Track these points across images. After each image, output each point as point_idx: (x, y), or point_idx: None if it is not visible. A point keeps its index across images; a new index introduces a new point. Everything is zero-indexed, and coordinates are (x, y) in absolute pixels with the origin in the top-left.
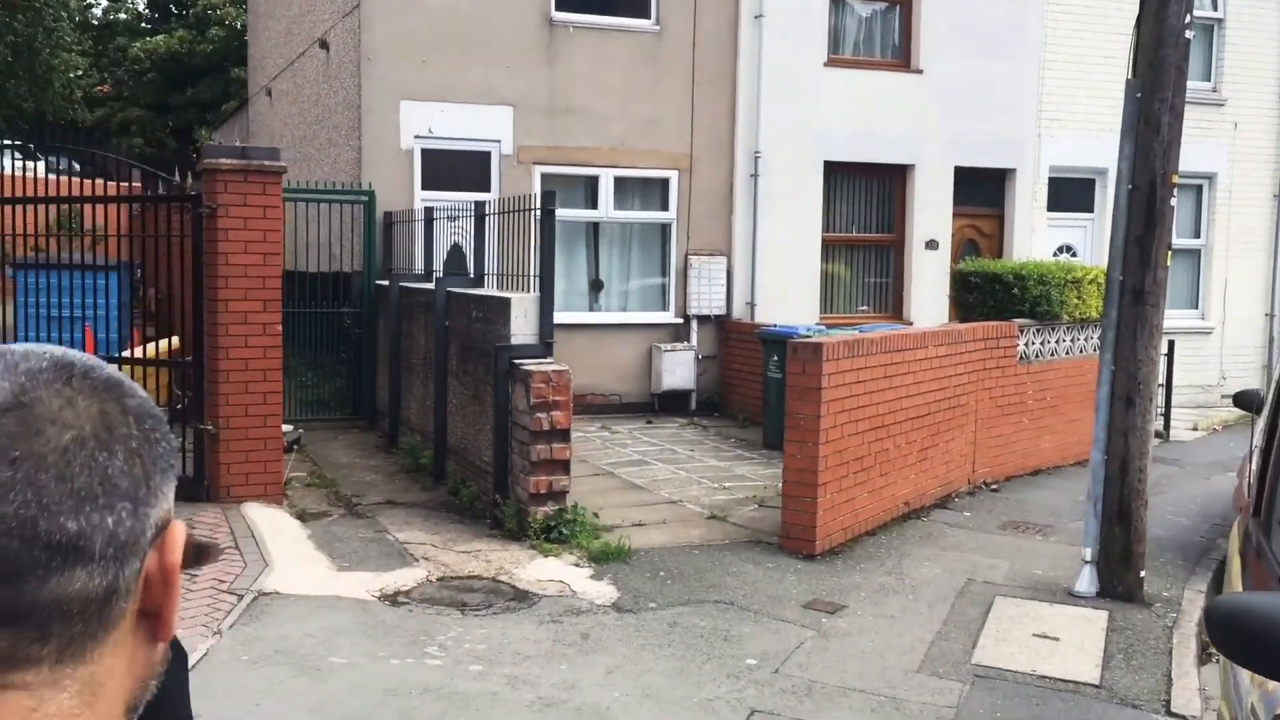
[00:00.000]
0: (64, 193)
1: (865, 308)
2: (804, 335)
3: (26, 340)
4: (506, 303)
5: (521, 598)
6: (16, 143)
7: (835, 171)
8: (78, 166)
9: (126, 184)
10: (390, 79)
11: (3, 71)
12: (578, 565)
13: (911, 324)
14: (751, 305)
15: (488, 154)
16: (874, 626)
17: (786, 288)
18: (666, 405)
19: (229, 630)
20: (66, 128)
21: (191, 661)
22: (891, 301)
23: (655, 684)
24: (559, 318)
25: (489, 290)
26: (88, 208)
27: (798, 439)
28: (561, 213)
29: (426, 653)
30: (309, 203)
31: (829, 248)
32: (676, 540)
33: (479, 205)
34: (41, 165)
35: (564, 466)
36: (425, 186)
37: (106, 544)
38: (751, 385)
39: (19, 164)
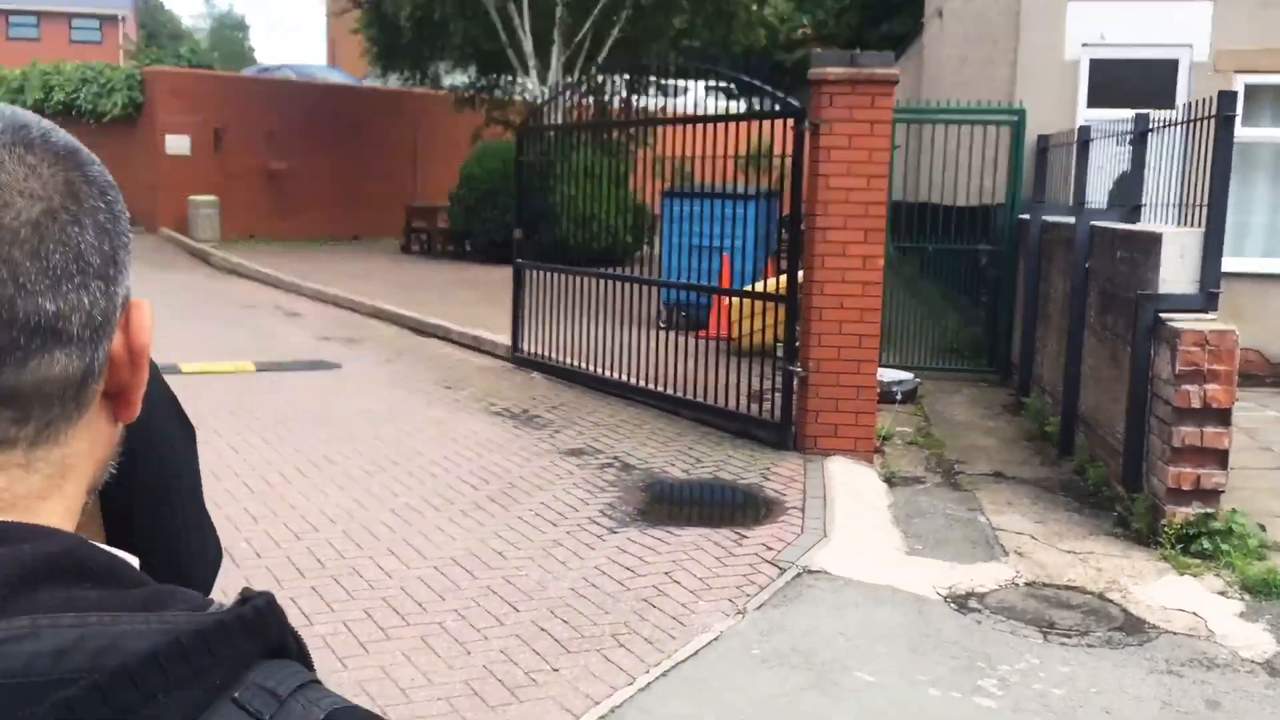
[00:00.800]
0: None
1: None
2: None
3: (672, 267)
4: (1155, 240)
5: (1132, 628)
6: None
7: None
8: (778, 106)
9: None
10: None
11: (692, 11)
12: (1223, 594)
13: None
14: None
15: (1174, 62)
16: None
17: None
18: None
19: (753, 611)
20: (758, 64)
21: (697, 645)
22: None
23: None
24: (1263, 266)
25: (1136, 225)
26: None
27: None
28: (1274, 133)
29: (979, 687)
30: (948, 124)
31: None
32: None
33: (1139, 119)
34: (741, 103)
35: (1219, 458)
36: (1091, 104)
37: (84, 325)
38: None
39: (724, 102)
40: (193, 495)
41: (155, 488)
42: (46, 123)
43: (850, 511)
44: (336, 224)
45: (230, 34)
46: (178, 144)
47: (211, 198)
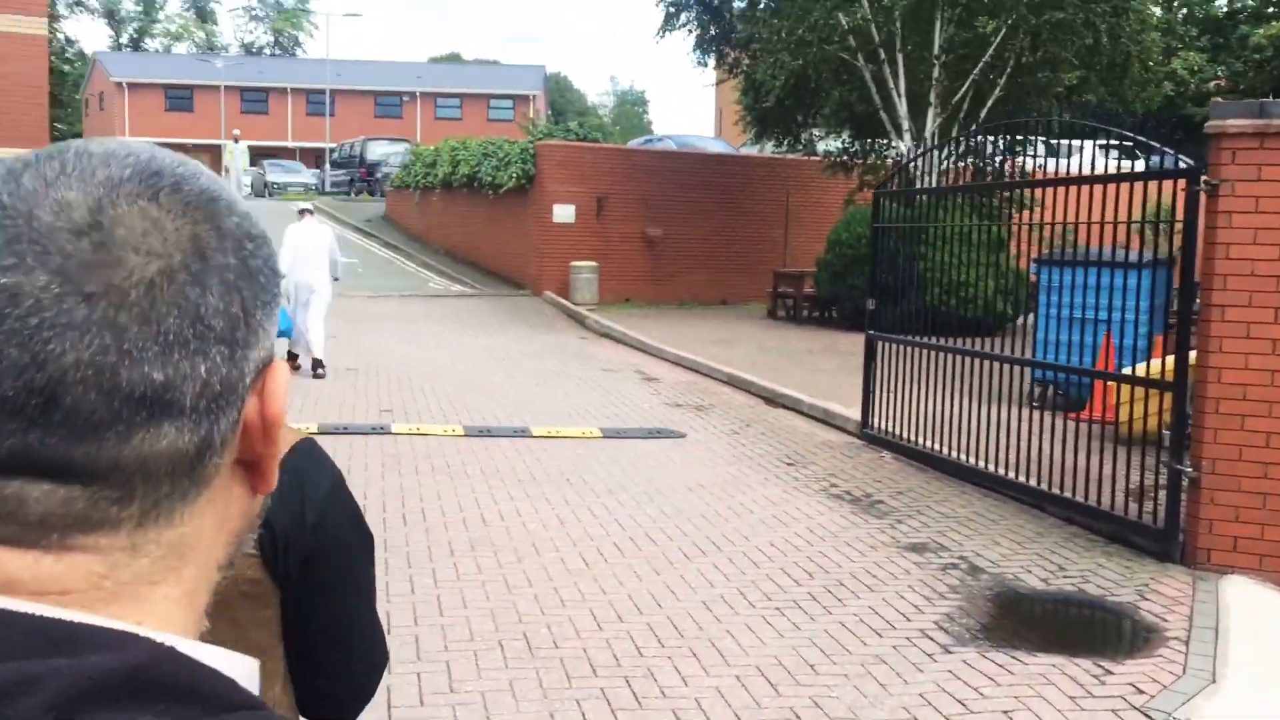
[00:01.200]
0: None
1: None
2: None
3: (1045, 341)
4: None
5: None
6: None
7: None
8: (1182, 163)
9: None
10: None
11: (1084, 66)
12: None
13: None
14: None
15: None
16: None
17: None
18: None
19: None
20: (1154, 121)
21: None
22: None
23: None
24: None
25: None
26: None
27: None
28: None
29: None
30: None
31: None
32: None
33: None
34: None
35: None
36: None
37: (199, 395)
38: None
39: (1118, 163)
40: (364, 593)
41: (325, 575)
42: (186, 167)
43: (1249, 649)
44: (706, 288)
45: (631, 108)
46: (563, 213)
47: (591, 263)
